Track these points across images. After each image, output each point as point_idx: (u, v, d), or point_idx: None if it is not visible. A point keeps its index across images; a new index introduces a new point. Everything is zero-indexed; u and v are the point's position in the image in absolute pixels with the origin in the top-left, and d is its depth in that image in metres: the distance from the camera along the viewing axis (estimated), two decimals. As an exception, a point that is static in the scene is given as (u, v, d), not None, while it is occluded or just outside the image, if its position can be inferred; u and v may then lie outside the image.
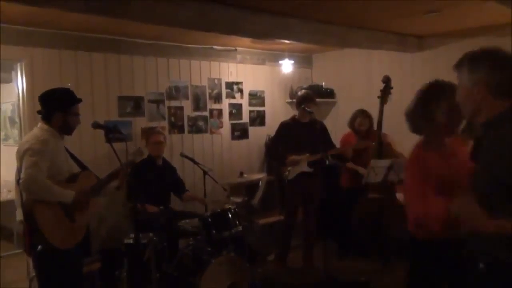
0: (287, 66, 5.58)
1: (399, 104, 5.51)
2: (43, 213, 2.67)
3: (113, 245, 4.36)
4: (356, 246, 5.02)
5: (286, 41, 4.33)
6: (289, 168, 4.54)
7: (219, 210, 3.94)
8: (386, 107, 4.58)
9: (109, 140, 2.88)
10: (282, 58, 5.73)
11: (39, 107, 2.88)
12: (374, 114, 4.80)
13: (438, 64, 5.17)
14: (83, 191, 2.83)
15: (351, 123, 4.99)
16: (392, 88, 4.57)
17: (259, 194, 4.52)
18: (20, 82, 4.11)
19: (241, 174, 4.61)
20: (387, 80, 4.52)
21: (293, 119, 4.73)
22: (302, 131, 4.58)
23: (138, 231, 3.40)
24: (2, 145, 7.42)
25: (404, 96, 5.50)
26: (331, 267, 4.27)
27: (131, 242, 3.71)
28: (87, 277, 3.86)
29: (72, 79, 4.27)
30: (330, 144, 4.65)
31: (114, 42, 4.60)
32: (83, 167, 3.08)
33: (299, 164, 4.50)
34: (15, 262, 4.56)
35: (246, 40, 5.23)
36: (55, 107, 2.82)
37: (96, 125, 2.93)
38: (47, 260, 2.78)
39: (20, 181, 2.60)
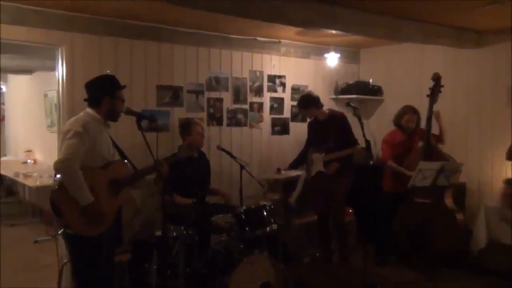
0: (332, 59, 5.31)
1: (450, 104, 5.23)
2: (67, 197, 2.60)
3: (145, 237, 4.30)
4: (397, 253, 4.74)
5: (332, 31, 4.07)
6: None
7: (253, 207, 3.78)
8: (435, 107, 4.29)
9: (140, 127, 2.78)
10: (328, 51, 5.47)
11: (78, 94, 2.89)
12: (422, 115, 4.51)
13: (497, 63, 4.78)
14: (102, 197, 2.74)
15: (397, 120, 4.70)
16: (442, 86, 4.27)
17: (296, 192, 4.33)
18: (60, 68, 4.10)
19: (279, 170, 4.41)
20: (437, 78, 4.25)
21: (315, 117, 4.61)
22: (319, 129, 4.46)
23: (166, 224, 3.30)
24: (48, 131, 7.61)
25: (456, 95, 5.21)
26: (369, 273, 4.02)
27: (164, 233, 3.63)
28: (117, 267, 3.80)
29: (111, 66, 4.21)
30: (346, 140, 4.38)
31: (155, 30, 4.51)
32: (123, 156, 3.02)
33: (315, 163, 4.35)
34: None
35: (291, 32, 5.02)
36: (104, 92, 2.83)
37: (128, 111, 2.85)
38: (76, 244, 2.74)
39: (55, 161, 2.56)
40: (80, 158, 2.60)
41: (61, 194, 2.59)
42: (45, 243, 5.17)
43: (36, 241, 5.51)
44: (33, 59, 6.37)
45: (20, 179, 6.96)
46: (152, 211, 4.46)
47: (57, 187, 2.60)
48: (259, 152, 5.47)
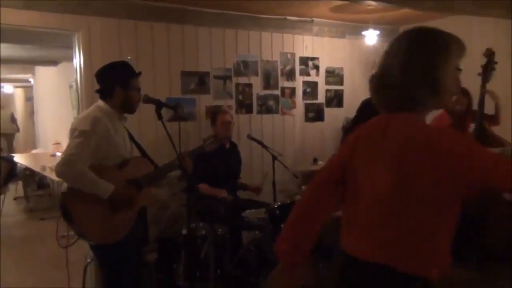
0: (371, 37, 4.85)
1: (504, 82, 4.70)
2: (78, 202, 2.31)
3: (172, 234, 4.03)
4: (479, 252, 4.32)
5: (371, 5, 3.64)
6: None
7: (288, 202, 3.43)
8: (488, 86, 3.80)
9: (160, 116, 2.45)
10: (366, 29, 5.02)
11: (96, 82, 2.56)
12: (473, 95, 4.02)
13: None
14: (123, 188, 2.44)
15: None
16: (496, 63, 3.77)
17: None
18: (77, 55, 3.83)
19: (315, 160, 4.03)
20: (490, 54, 3.73)
21: None
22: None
23: (191, 223, 3.00)
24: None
25: (506, 73, 4.68)
26: (455, 275, 3.62)
27: (191, 232, 3.33)
28: (145, 267, 3.54)
29: (131, 52, 3.92)
30: None
31: (178, 11, 4.18)
32: (142, 152, 2.71)
33: None
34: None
35: (325, 9, 4.60)
36: (114, 81, 2.51)
37: (146, 99, 2.52)
38: (99, 252, 2.47)
39: (55, 165, 2.27)
40: (85, 159, 2.31)
41: (71, 198, 2.30)
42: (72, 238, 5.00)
43: (63, 236, 5.36)
44: (52, 48, 6.17)
45: (47, 173, 6.83)
46: (180, 206, 4.18)
47: (66, 190, 2.31)
48: (292, 141, 5.09)
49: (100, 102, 2.52)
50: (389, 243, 1.40)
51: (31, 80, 10.93)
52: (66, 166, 2.26)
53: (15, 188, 7.65)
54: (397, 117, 1.49)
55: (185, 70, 4.32)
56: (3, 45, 6.04)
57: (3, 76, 10.92)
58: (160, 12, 4.09)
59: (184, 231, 3.31)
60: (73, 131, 2.37)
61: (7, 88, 14.68)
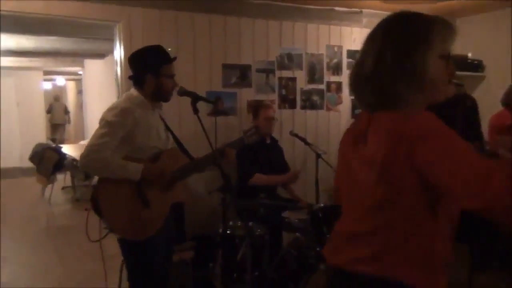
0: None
1: None
2: (108, 195, 2.23)
3: (210, 231, 3.92)
4: (501, 258, 3.97)
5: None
6: None
7: (332, 203, 3.22)
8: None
9: (196, 110, 2.31)
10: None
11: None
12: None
13: None
14: (155, 167, 2.33)
15: (507, 99, 3.85)
16: None
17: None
18: (118, 46, 3.77)
19: None
20: None
21: None
22: (438, 110, 3.62)
23: (226, 221, 2.86)
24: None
25: None
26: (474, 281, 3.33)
27: (228, 231, 3.21)
28: (179, 266, 3.46)
29: (172, 44, 3.81)
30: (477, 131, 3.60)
31: (220, 2, 4.04)
32: (178, 143, 2.59)
33: None
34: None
35: (375, 1, 4.32)
36: (145, 68, 2.39)
37: (182, 92, 2.39)
38: (125, 248, 2.38)
39: (80, 155, 2.19)
40: (109, 149, 2.21)
41: (102, 191, 2.22)
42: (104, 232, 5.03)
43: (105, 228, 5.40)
44: (99, 41, 6.22)
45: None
46: (219, 202, 4.07)
47: (97, 182, 2.23)
48: (337, 138, 4.84)
49: (133, 91, 2.42)
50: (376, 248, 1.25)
51: (81, 73, 11.22)
52: (89, 156, 2.17)
53: (64, 178, 7.85)
54: (378, 118, 1.26)
55: (227, 63, 4.18)
56: (52, 37, 6.17)
57: (55, 68, 11.32)
58: (202, 3, 3.97)
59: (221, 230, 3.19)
60: (100, 121, 2.29)
61: (60, 81, 15.21)
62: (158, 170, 2.32)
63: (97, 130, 2.26)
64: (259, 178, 3.71)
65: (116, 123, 2.24)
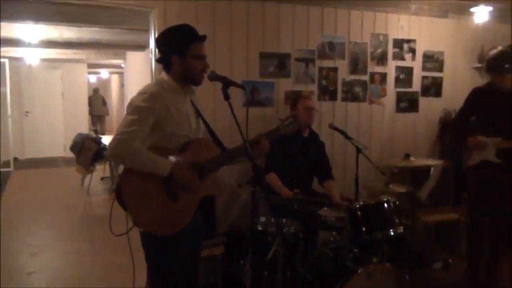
0: (481, 14, 4.15)
1: None
2: (133, 187, 2.07)
3: (243, 226, 3.77)
4: None
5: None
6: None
7: (373, 202, 2.97)
8: None
9: (227, 96, 2.14)
10: (470, 8, 4.32)
11: None
12: None
13: None
14: (186, 164, 2.16)
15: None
16: None
17: (429, 185, 3.43)
18: (152, 35, 3.66)
19: (407, 156, 3.48)
20: None
21: (490, 85, 3.42)
22: (498, 103, 3.29)
23: (255, 218, 2.66)
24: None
25: None
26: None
27: (259, 227, 3.03)
28: (209, 261, 3.32)
29: (208, 31, 3.59)
30: None
31: (259, -13, 3.86)
32: (210, 132, 2.41)
33: (485, 150, 3.24)
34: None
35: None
36: (170, 49, 2.21)
37: (213, 76, 2.21)
38: (148, 243, 2.23)
39: (108, 144, 2.05)
40: (139, 137, 2.06)
41: (127, 182, 2.08)
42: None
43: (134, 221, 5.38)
44: (139, 33, 6.17)
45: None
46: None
47: (122, 172, 2.10)
48: (380, 133, 4.57)
49: (163, 74, 2.25)
50: None
51: (123, 65, 11.36)
52: (118, 145, 2.03)
53: (104, 168, 7.93)
54: None
55: (264, 51, 3.98)
56: (92, 28, 6.19)
57: (99, 61, 11.52)
58: (240, -13, 3.80)
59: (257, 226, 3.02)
60: (128, 107, 2.14)
61: (103, 74, 15.54)
62: (188, 171, 2.15)
63: (125, 117, 2.11)
64: (271, 179, 3.46)
65: (145, 108, 2.09)
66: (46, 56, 9.44)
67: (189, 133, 2.26)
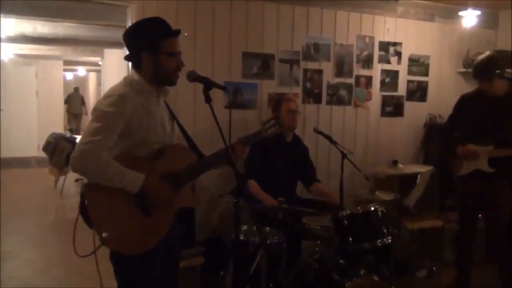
0: (470, 19, 4.08)
1: None
2: (100, 201, 1.86)
3: (222, 235, 3.59)
4: None
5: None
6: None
7: (360, 211, 2.85)
8: None
9: (208, 99, 1.96)
10: (460, 11, 4.25)
11: None
12: None
13: None
14: (158, 176, 1.96)
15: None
16: None
17: (417, 192, 3.32)
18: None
19: (395, 163, 3.36)
20: None
21: (478, 91, 3.33)
22: (488, 110, 3.20)
23: (237, 228, 2.50)
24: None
25: None
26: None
27: (241, 237, 2.86)
28: (187, 272, 3.14)
29: (189, 29, 3.49)
30: None
31: (243, -16, 3.70)
32: (185, 137, 2.21)
33: (477, 159, 3.15)
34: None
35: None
36: (140, 46, 1.98)
37: (193, 77, 2.02)
38: (117, 260, 2.02)
39: (71, 155, 1.83)
40: (106, 147, 1.84)
41: (92, 194, 1.86)
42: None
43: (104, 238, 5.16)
44: (117, 29, 5.94)
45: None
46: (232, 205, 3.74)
47: (87, 183, 1.89)
48: (365, 137, 4.46)
49: (133, 74, 2.02)
50: None
51: (101, 63, 11.04)
52: (82, 158, 1.80)
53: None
54: None
55: (248, 51, 3.82)
56: (67, 24, 5.93)
57: (75, 58, 11.17)
58: (223, -16, 3.63)
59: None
60: (93, 112, 1.90)
61: (80, 71, 15.14)
62: (161, 184, 1.95)
63: (90, 123, 1.87)
64: (252, 186, 3.31)
65: (113, 114, 1.86)
66: (19, 52, 9.08)
67: (163, 138, 2.06)
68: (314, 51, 4.09)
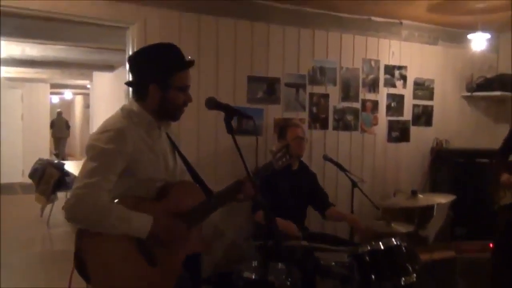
0: (479, 42, 3.99)
1: None
2: (98, 252, 1.62)
3: (229, 269, 3.35)
4: None
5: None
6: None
7: (382, 247, 2.64)
8: None
9: (231, 129, 1.77)
10: (462, 36, 4.19)
11: None
12: None
13: None
14: (168, 222, 1.74)
15: None
16: None
17: (436, 223, 3.12)
18: (130, 52, 3.26)
19: (414, 193, 3.10)
20: None
21: None
22: None
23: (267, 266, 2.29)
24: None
25: None
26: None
27: (254, 276, 2.63)
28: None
29: (192, 52, 3.31)
30: None
31: (248, 5, 3.55)
32: (191, 172, 1.97)
33: None
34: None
35: (420, 9, 3.84)
36: (149, 76, 1.76)
37: (212, 103, 1.82)
38: None
39: (65, 203, 1.61)
40: (105, 190, 1.62)
41: (88, 243, 1.61)
42: None
43: None
44: (109, 52, 5.77)
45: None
46: (239, 233, 3.52)
47: (79, 230, 1.64)
48: (371, 164, 4.29)
49: (132, 104, 1.80)
50: None
51: (89, 86, 10.82)
52: (79, 204, 1.57)
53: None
54: None
55: (253, 75, 3.66)
56: (57, 46, 5.74)
57: (63, 81, 10.92)
58: (227, 6, 3.48)
59: (247, 273, 2.61)
60: (89, 149, 1.67)
61: (67, 95, 14.85)
62: (172, 222, 1.73)
63: (86, 163, 1.64)
64: (261, 218, 3.08)
65: (111, 151, 1.64)
66: (6, 75, 8.81)
67: (165, 175, 1.84)
68: (320, 74, 3.95)
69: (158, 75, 1.76)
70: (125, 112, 1.78)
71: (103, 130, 1.71)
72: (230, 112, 1.79)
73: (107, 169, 1.63)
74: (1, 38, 4.83)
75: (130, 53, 3.28)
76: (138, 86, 1.82)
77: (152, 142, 1.79)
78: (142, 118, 1.77)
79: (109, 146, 1.64)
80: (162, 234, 1.69)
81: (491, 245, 3.56)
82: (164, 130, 1.89)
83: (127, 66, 3.24)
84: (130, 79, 1.89)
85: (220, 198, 1.91)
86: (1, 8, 3.08)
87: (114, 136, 1.67)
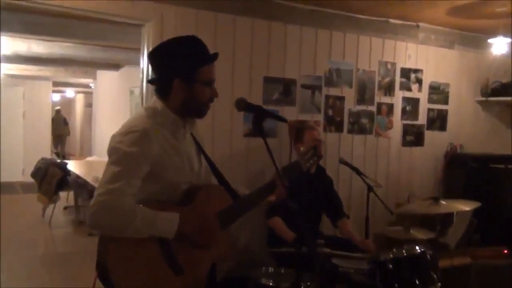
0: (500, 46, 3.92)
1: None
2: (121, 257, 1.52)
3: (243, 273, 3.26)
4: None
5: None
6: None
7: (405, 254, 2.55)
8: None
9: (261, 130, 1.68)
10: (477, 40, 4.12)
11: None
12: None
13: None
14: (199, 219, 1.65)
15: None
16: None
17: (458, 230, 3.03)
18: (145, 51, 3.18)
19: (436, 200, 3.03)
20: None
21: None
22: None
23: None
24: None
25: None
26: None
27: (271, 283, 2.54)
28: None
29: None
30: None
31: (265, 5, 3.47)
32: (216, 173, 1.88)
33: None
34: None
35: (440, 11, 3.76)
36: (173, 71, 1.67)
37: (243, 105, 1.73)
38: None
39: (89, 210, 1.50)
40: (131, 196, 1.53)
41: (111, 250, 1.52)
42: None
43: None
44: (116, 50, 5.68)
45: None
46: (253, 237, 3.43)
47: (101, 239, 1.56)
48: (385, 168, 4.21)
49: (156, 102, 1.71)
50: None
51: (92, 85, 10.72)
52: (103, 211, 1.48)
53: (67, 197, 7.22)
54: None
55: (269, 75, 3.57)
56: (65, 44, 5.65)
57: (65, 79, 10.82)
58: (245, 4, 3.40)
59: (265, 280, 2.53)
60: (111, 151, 1.58)
61: (69, 93, 14.75)
62: (203, 221, 1.65)
63: (108, 167, 1.55)
64: (276, 224, 3.03)
65: (136, 154, 1.55)
66: (8, 72, 8.70)
67: (191, 178, 1.75)
68: (336, 76, 3.87)
69: (182, 69, 1.67)
70: (150, 112, 1.69)
71: (127, 131, 1.61)
72: (262, 114, 1.70)
73: (131, 173, 1.54)
74: (8, 34, 4.74)
75: (146, 51, 3.20)
76: (161, 82, 1.72)
77: (177, 143, 1.70)
78: (166, 117, 1.68)
79: (133, 149, 1.55)
80: (191, 232, 1.59)
81: (505, 251, 3.49)
82: (189, 130, 1.80)
83: (143, 63, 3.19)
84: (150, 76, 1.82)
85: (252, 199, 1.83)
86: (12, 1, 3.01)
87: (138, 138, 1.58)
